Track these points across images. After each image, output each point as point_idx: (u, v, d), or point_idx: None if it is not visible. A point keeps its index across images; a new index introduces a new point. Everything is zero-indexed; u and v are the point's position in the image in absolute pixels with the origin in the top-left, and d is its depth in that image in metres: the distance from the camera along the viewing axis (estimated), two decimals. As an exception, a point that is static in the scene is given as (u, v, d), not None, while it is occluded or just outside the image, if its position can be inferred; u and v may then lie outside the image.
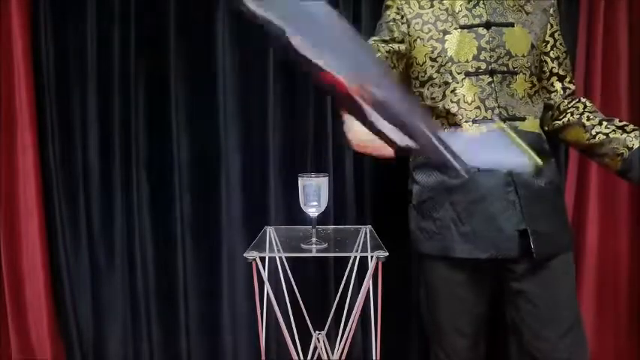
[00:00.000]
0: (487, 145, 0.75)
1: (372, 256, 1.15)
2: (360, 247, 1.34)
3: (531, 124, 1.10)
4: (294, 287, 1.53)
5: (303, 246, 1.26)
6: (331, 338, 1.64)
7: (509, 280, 1.13)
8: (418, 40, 1.12)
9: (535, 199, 1.07)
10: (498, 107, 1.07)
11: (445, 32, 1.10)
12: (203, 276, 1.75)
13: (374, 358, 1.31)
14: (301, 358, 1.42)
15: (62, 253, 1.69)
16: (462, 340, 1.18)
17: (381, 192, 1.71)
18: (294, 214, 1.58)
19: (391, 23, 1.15)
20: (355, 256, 1.40)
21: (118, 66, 1.67)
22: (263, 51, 1.65)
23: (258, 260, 1.16)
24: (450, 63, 1.10)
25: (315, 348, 1.56)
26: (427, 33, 1.11)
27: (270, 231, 1.44)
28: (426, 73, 1.13)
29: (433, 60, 1.11)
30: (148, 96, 1.70)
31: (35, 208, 1.65)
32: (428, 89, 1.13)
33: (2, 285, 1.67)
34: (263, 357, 1.31)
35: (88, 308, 1.75)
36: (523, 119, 1.08)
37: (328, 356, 1.52)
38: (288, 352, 1.29)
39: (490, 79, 1.07)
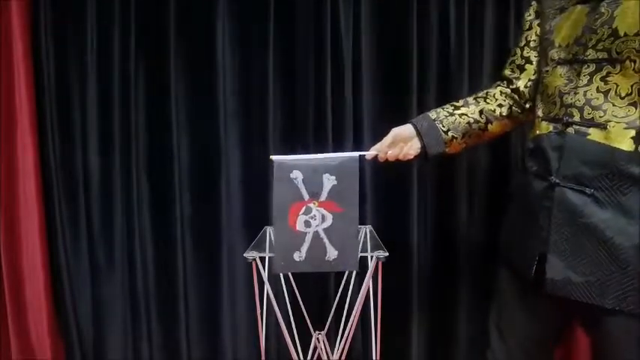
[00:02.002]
0: None
1: (372, 256, 1.15)
2: (360, 247, 1.34)
3: (616, 135, 0.82)
4: (294, 287, 1.53)
5: (304, 246, 1.26)
6: (331, 338, 1.64)
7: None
8: (541, 21, 0.99)
9: (573, 235, 0.86)
10: (572, 106, 0.86)
11: (562, 9, 0.92)
12: (203, 276, 1.75)
13: (374, 358, 1.31)
14: (301, 358, 1.42)
15: (62, 253, 1.69)
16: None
17: (381, 192, 1.71)
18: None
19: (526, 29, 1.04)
20: (355, 256, 1.39)
21: (118, 66, 1.66)
22: (263, 51, 1.65)
23: (258, 260, 1.16)
24: (550, 47, 0.93)
25: (315, 348, 1.56)
26: (547, 10, 0.96)
27: (270, 231, 1.43)
28: (535, 59, 1.03)
29: (541, 43, 0.98)
30: (148, 96, 1.70)
31: (35, 208, 1.65)
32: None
33: (2, 285, 1.67)
34: (263, 357, 1.31)
35: (88, 308, 1.75)
36: (601, 126, 0.83)
37: (328, 356, 1.52)
38: (288, 352, 1.29)
39: (578, 69, 0.86)
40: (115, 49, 1.66)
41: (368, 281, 1.18)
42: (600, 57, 0.83)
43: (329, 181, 1.10)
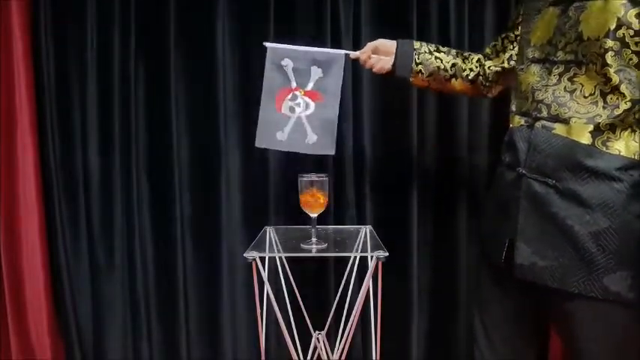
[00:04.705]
0: None
1: (372, 256, 1.15)
2: (360, 247, 1.34)
3: (577, 130, 0.86)
4: (294, 287, 1.53)
5: (303, 246, 1.26)
6: (331, 338, 1.64)
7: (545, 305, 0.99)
8: (523, 21, 1.05)
9: (538, 223, 0.91)
10: (542, 102, 0.92)
11: (539, 11, 0.98)
12: (203, 276, 1.75)
13: (374, 358, 1.31)
14: (301, 358, 1.42)
15: (62, 253, 1.68)
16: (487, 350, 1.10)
17: (381, 192, 1.71)
18: (294, 214, 1.57)
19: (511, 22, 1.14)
20: (355, 256, 1.40)
21: (118, 66, 1.66)
22: (263, 50, 1.65)
23: (258, 260, 1.16)
24: (527, 46, 0.99)
25: (315, 348, 1.56)
26: (529, 12, 1.02)
27: (270, 231, 1.44)
28: (511, 51, 1.12)
29: (520, 42, 1.05)
30: (148, 96, 1.70)
31: (35, 208, 1.65)
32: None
33: (2, 285, 1.67)
34: (263, 357, 1.31)
35: (88, 308, 1.74)
36: (566, 122, 0.87)
37: (328, 356, 1.52)
38: (288, 352, 1.29)
39: (550, 69, 0.92)
40: (115, 49, 1.66)
41: (368, 281, 1.18)
42: (568, 59, 0.88)
43: (316, 73, 1.25)
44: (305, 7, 1.65)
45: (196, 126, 1.70)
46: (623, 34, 0.81)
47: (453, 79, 1.23)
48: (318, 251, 1.25)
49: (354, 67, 1.66)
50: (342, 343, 1.25)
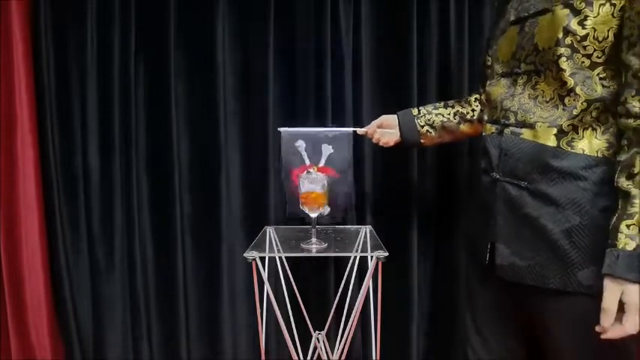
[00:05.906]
0: None
1: (372, 256, 1.15)
2: (360, 247, 1.34)
3: (543, 133, 0.92)
4: (294, 287, 1.53)
5: (303, 246, 1.26)
6: (331, 338, 1.64)
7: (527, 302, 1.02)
8: (492, 40, 1.10)
9: (514, 225, 0.96)
10: (509, 110, 0.98)
11: (503, 31, 1.04)
12: (203, 276, 1.75)
13: (374, 358, 1.31)
14: (301, 358, 1.42)
15: (62, 253, 1.69)
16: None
17: (381, 192, 1.71)
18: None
19: None
20: (355, 256, 1.40)
21: (118, 66, 1.66)
22: (263, 51, 1.65)
23: (258, 260, 1.16)
24: (496, 62, 1.06)
25: (315, 348, 1.56)
26: (496, 33, 1.08)
27: (270, 231, 1.44)
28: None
29: (489, 61, 1.09)
30: (148, 96, 1.70)
31: (35, 208, 1.65)
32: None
33: (2, 285, 1.67)
34: (263, 357, 1.31)
35: (88, 308, 1.75)
36: (531, 126, 0.94)
37: (328, 356, 1.52)
38: (288, 352, 1.29)
39: (515, 80, 0.99)
40: (115, 49, 1.66)
41: (368, 281, 1.18)
42: (529, 69, 0.95)
43: (327, 150, 1.38)
44: (305, 6, 1.65)
45: (196, 126, 1.70)
46: (571, 40, 0.88)
47: (461, 126, 1.29)
48: (318, 251, 1.26)
49: (355, 69, 1.66)
50: (342, 343, 1.25)
